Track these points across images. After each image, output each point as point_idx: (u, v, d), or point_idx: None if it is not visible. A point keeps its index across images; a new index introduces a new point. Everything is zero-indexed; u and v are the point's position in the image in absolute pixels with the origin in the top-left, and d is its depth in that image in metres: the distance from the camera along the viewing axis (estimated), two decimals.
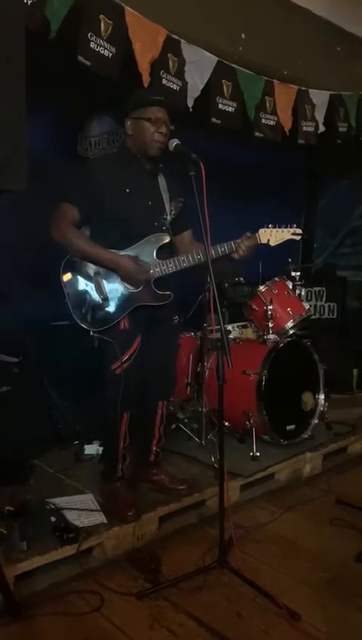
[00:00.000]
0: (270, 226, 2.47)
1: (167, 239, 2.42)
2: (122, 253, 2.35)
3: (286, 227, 2.48)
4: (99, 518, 2.25)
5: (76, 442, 3.04)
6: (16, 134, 1.68)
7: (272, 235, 2.46)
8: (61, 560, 2.05)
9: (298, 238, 2.51)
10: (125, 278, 2.35)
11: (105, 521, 2.23)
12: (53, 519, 2.18)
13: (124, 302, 2.36)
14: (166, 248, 2.43)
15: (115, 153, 2.63)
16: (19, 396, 2.84)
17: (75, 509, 2.28)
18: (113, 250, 2.34)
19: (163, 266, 2.37)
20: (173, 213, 2.47)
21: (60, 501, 2.34)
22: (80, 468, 2.80)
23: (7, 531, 2.03)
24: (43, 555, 1.99)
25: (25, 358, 3.01)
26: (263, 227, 2.47)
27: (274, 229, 2.46)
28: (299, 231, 2.50)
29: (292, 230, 2.48)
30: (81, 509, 2.30)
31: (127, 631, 1.79)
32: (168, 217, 2.45)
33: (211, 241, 2.15)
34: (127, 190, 2.35)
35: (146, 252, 2.38)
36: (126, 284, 2.36)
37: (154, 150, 2.35)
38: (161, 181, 2.48)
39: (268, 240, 2.47)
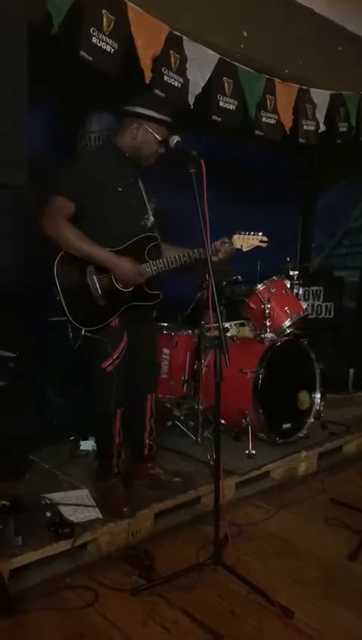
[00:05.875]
0: (243, 232, 2.56)
1: (157, 239, 2.50)
2: (115, 251, 2.37)
3: (254, 234, 2.59)
4: (95, 513, 2.25)
5: (72, 438, 3.04)
6: (16, 129, 1.68)
7: (244, 241, 2.57)
8: (56, 555, 2.05)
9: (264, 245, 2.61)
10: (121, 278, 2.36)
11: (100, 516, 2.24)
12: (48, 514, 2.18)
13: (117, 301, 2.39)
14: (155, 248, 2.50)
15: (105, 149, 2.66)
16: (15, 391, 2.84)
17: (70, 505, 2.28)
18: (108, 249, 2.35)
19: (153, 266, 2.41)
20: (152, 214, 2.54)
21: (56, 496, 2.34)
22: (75, 464, 2.80)
23: (3, 526, 2.03)
24: (38, 550, 2.00)
25: (22, 353, 3.00)
26: (236, 233, 2.57)
27: (245, 235, 2.57)
28: (265, 239, 2.61)
29: (259, 238, 2.59)
30: (77, 504, 2.30)
31: (121, 627, 1.80)
32: (150, 218, 2.52)
33: (211, 239, 2.17)
34: (119, 189, 2.39)
35: (138, 251, 2.42)
36: (119, 285, 2.38)
37: (147, 163, 2.48)
38: (141, 184, 2.56)
39: (241, 245, 2.57)
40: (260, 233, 2.59)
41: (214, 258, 2.45)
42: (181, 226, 2.42)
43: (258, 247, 2.60)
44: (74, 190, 2.33)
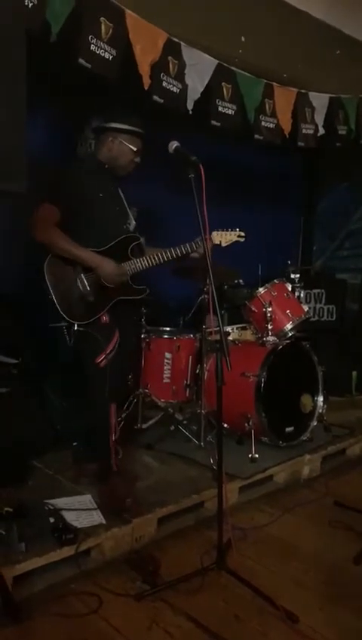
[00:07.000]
0: (221, 229, 2.74)
1: (139, 239, 2.69)
2: (100, 251, 2.54)
3: (232, 230, 2.77)
4: (98, 518, 2.25)
5: (75, 443, 3.04)
6: (16, 136, 1.68)
7: (223, 237, 2.75)
8: (59, 561, 2.05)
9: (242, 239, 2.79)
10: (104, 278, 2.52)
11: (103, 521, 2.23)
12: (51, 520, 2.17)
13: (105, 296, 2.54)
14: (138, 248, 2.69)
15: (88, 162, 2.85)
16: (17, 397, 2.84)
17: (73, 510, 2.28)
18: (93, 250, 2.52)
19: (137, 263, 2.59)
20: (134, 219, 2.74)
21: (59, 502, 2.33)
22: (78, 469, 2.79)
23: (6, 532, 2.03)
24: (41, 556, 1.99)
25: (24, 359, 3.01)
26: (214, 230, 2.73)
27: (223, 232, 2.75)
28: (242, 233, 2.79)
29: (236, 233, 2.78)
30: (80, 509, 2.30)
31: (125, 632, 1.79)
32: (133, 222, 2.73)
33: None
34: (100, 195, 2.59)
35: (122, 250, 2.60)
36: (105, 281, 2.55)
37: (125, 173, 2.69)
38: (120, 192, 2.76)
39: (220, 241, 2.74)
40: (237, 229, 2.76)
41: (195, 254, 2.67)
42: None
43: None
44: (59, 198, 2.50)
